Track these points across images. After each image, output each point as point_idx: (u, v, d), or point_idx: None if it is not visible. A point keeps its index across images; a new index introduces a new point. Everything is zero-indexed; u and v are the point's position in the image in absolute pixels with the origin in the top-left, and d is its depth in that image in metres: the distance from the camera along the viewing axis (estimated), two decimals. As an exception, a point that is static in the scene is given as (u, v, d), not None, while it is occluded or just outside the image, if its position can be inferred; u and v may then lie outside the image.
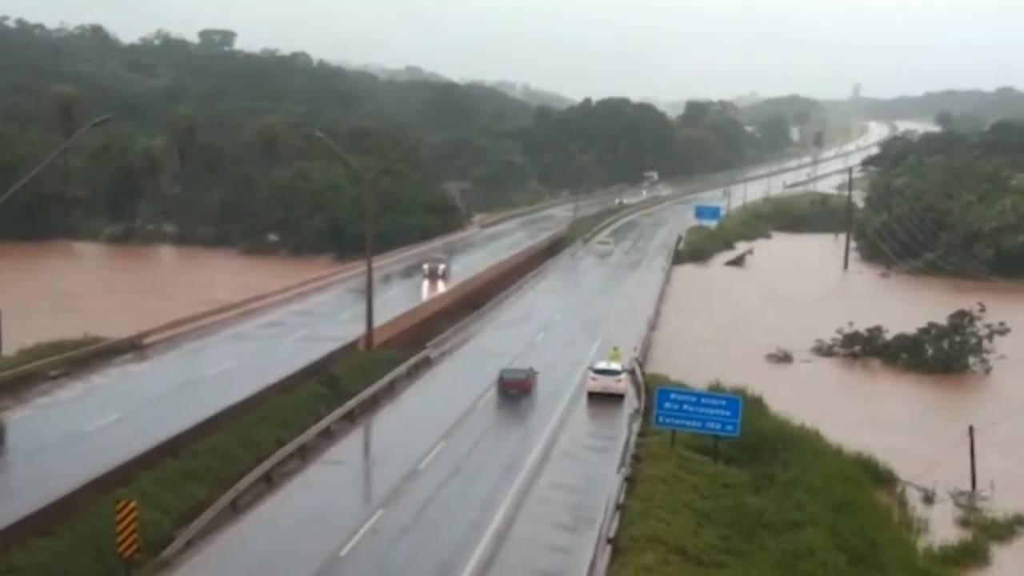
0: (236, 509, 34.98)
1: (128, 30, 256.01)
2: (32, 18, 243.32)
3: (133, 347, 57.35)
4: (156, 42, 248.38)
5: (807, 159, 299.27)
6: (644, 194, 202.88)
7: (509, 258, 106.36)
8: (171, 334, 61.11)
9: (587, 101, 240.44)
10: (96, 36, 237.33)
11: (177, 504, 34.58)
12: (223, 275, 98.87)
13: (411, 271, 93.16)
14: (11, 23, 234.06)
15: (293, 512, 35.52)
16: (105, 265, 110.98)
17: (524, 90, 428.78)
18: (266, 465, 38.03)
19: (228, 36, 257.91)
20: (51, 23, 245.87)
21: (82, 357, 53.33)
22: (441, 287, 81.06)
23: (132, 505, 30.30)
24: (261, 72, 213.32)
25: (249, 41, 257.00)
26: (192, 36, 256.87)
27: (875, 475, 46.10)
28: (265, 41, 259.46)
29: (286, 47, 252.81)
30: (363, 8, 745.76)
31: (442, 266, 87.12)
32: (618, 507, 35.19)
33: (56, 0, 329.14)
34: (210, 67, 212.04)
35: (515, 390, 52.74)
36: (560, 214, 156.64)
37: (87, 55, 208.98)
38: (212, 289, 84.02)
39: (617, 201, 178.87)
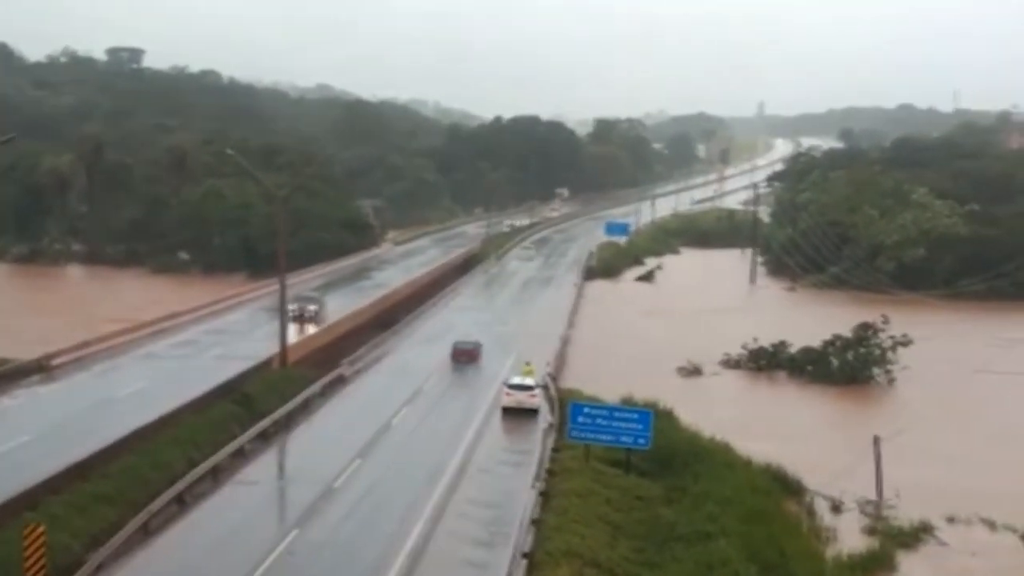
0: (148, 532, 34.62)
1: (34, 47, 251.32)
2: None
3: (41, 368, 56.40)
4: (63, 59, 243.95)
5: (714, 175, 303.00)
6: (553, 213, 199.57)
7: (423, 275, 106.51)
8: (80, 355, 60.26)
9: (498, 119, 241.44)
10: (1, 53, 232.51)
11: (87, 527, 34.13)
12: (133, 294, 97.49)
13: (326, 288, 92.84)
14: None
15: (206, 534, 35.25)
16: (10, 284, 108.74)
17: (436, 108, 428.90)
18: (178, 486, 37.68)
19: (136, 53, 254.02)
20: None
21: (-13, 379, 52.37)
22: (311, 330, 71.55)
23: (41, 529, 29.87)
24: (170, 89, 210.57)
25: (158, 58, 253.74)
26: (99, 53, 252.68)
27: (784, 485, 46.89)
28: (174, 58, 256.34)
29: (195, 64, 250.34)
30: (273, 26, 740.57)
31: (312, 307, 75.42)
32: (533, 521, 35.49)
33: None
34: (118, 84, 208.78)
35: (465, 358, 65.77)
36: (473, 231, 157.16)
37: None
38: (121, 309, 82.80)
39: (508, 223, 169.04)
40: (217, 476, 40.70)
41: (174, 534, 35.20)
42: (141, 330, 68.34)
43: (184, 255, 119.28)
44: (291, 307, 70.19)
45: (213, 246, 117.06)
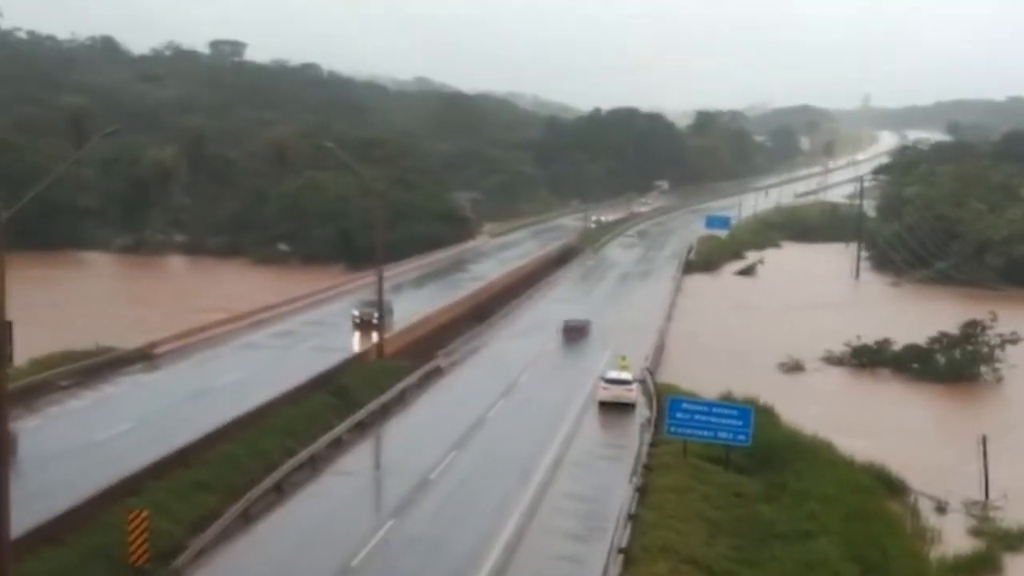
0: (247, 519, 34.94)
1: (139, 41, 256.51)
2: (43, 29, 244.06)
3: (144, 357, 57.46)
4: (167, 53, 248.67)
5: (817, 168, 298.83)
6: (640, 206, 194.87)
7: (519, 267, 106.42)
8: (182, 344, 61.26)
9: (597, 111, 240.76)
10: (107, 47, 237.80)
11: (188, 513, 34.52)
12: (233, 285, 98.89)
13: (423, 280, 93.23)
14: (22, 34, 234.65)
15: (304, 522, 35.45)
16: (116, 275, 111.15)
17: (534, 101, 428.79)
18: (277, 475, 37.98)
19: (238, 47, 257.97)
20: (62, 34, 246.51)
21: (93, 367, 53.47)
22: (376, 338, 63.42)
23: (144, 514, 30.35)
24: (271, 83, 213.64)
25: (259, 52, 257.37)
26: (203, 47, 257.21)
27: (887, 485, 45.90)
28: (275, 52, 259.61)
29: (296, 58, 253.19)
30: (373, 20, 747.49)
31: (376, 313, 66.20)
32: (630, 517, 35.09)
33: (67, 11, 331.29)
34: (220, 78, 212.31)
35: (576, 335, 71.27)
36: (570, 223, 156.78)
37: (98, 66, 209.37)
38: (221, 299, 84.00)
39: (593, 218, 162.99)
40: (315, 465, 40.95)
41: (272, 521, 35.50)
42: (241, 320, 69.25)
43: (283, 246, 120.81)
44: (354, 312, 69.14)
45: (312, 238, 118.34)
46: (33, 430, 43.11)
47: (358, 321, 68.69)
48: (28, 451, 39.89)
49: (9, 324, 34.04)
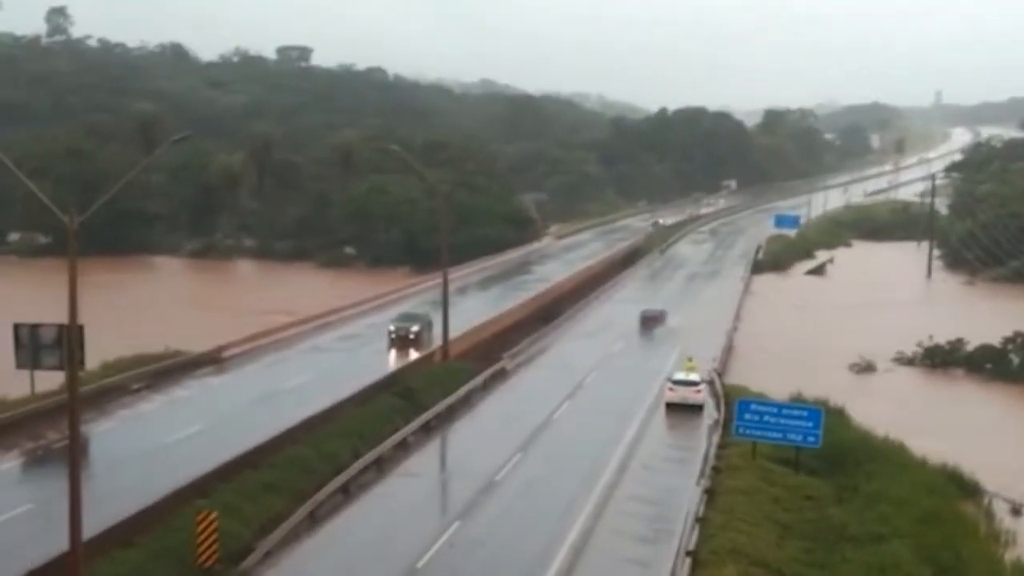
0: (314, 521, 35.08)
1: (207, 47, 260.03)
2: (113, 37, 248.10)
3: (213, 360, 58.06)
4: (234, 59, 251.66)
5: (888, 166, 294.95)
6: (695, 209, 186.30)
7: (585, 269, 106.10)
8: (250, 347, 61.82)
9: (663, 111, 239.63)
10: (175, 54, 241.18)
11: (256, 515, 34.68)
12: (300, 289, 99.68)
13: (488, 282, 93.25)
14: (93, 42, 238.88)
15: (370, 524, 35.53)
16: (185, 279, 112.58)
17: (599, 101, 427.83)
18: (343, 477, 38.11)
19: (305, 52, 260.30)
20: (132, 42, 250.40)
21: (163, 370, 54.14)
22: (414, 355, 61.60)
23: (213, 516, 30.56)
24: (337, 87, 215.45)
25: (325, 57, 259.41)
26: (270, 52, 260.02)
27: (961, 487, 44.98)
28: (341, 57, 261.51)
29: (362, 63, 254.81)
30: (438, 24, 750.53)
31: (414, 328, 64.29)
32: (698, 519, 34.71)
33: (136, 19, 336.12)
34: (287, 83, 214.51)
35: (652, 323, 76.90)
36: (636, 224, 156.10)
37: (167, 73, 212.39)
38: (288, 302, 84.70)
39: (652, 221, 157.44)
40: (381, 467, 41.04)
41: (339, 523, 35.62)
42: (307, 324, 69.71)
43: (349, 250, 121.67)
44: (390, 328, 64.52)
45: (377, 241, 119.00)
46: (104, 433, 43.76)
47: (394, 337, 63.99)
48: (99, 454, 40.51)
49: (81, 328, 34.56)
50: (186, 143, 78.83)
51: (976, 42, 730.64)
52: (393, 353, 62.43)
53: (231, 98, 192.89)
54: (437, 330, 62.65)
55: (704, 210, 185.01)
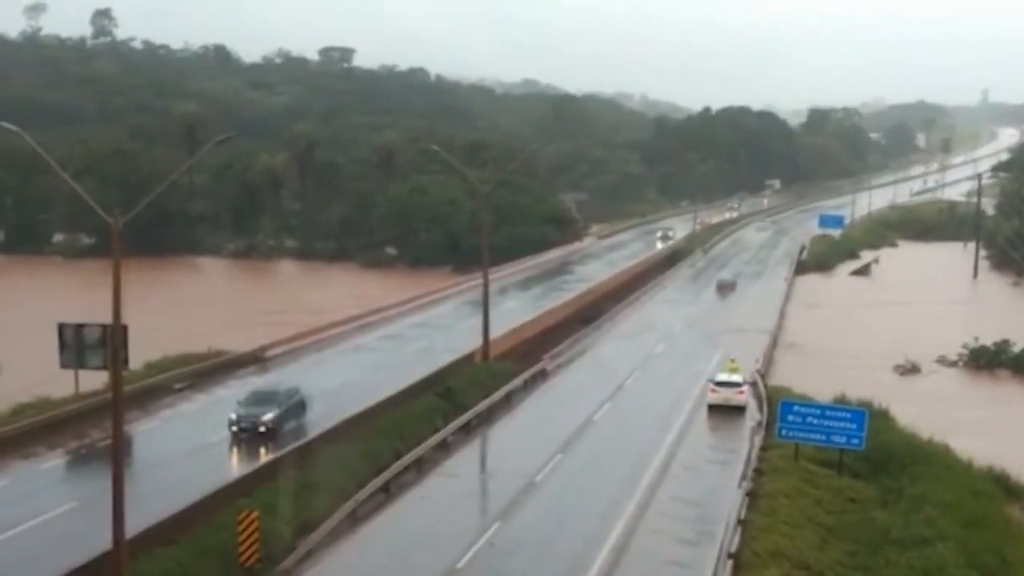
0: (355, 520, 35.15)
1: (250, 49, 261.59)
2: (157, 39, 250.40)
3: (255, 360, 58.35)
4: (277, 60, 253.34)
5: (934, 166, 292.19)
6: (729, 212, 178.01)
7: (626, 269, 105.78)
8: (292, 347, 62.07)
9: (706, 110, 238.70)
10: (219, 55, 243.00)
11: (298, 514, 34.76)
12: (342, 288, 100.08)
13: (529, 283, 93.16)
14: (137, 44, 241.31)
15: (410, 524, 35.57)
16: (228, 279, 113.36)
17: (642, 100, 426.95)
18: (384, 476, 38.16)
19: (347, 53, 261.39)
20: (176, 44, 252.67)
21: (206, 370, 54.47)
22: (265, 455, 41.12)
23: (254, 515, 30.67)
24: (379, 88, 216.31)
25: (368, 58, 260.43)
26: (312, 54, 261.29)
27: (1007, 489, 44.38)
28: (384, 57, 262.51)
29: (404, 63, 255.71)
30: (479, 24, 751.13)
31: (268, 416, 43.28)
32: (740, 521, 34.46)
33: (180, 21, 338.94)
34: (330, 84, 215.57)
35: (727, 290, 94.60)
36: (679, 224, 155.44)
37: (210, 74, 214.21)
38: (330, 302, 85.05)
39: (660, 233, 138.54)
40: (421, 467, 41.06)
41: (380, 522, 35.68)
42: (349, 323, 69.93)
43: (391, 250, 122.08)
44: (231, 416, 43.34)
45: (419, 241, 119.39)
46: (148, 432, 44.10)
47: (236, 429, 42.95)
48: (142, 453, 40.80)
49: (125, 328, 34.83)
50: (229, 144, 79.57)
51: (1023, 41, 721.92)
52: (235, 455, 42.03)
53: (274, 99, 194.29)
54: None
55: (728, 214, 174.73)
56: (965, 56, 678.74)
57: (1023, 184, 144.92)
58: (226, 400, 50.47)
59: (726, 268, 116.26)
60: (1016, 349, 71.41)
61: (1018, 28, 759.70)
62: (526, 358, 62.09)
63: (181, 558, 30.30)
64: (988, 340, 72.28)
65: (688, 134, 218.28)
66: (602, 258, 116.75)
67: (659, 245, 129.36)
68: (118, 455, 28.08)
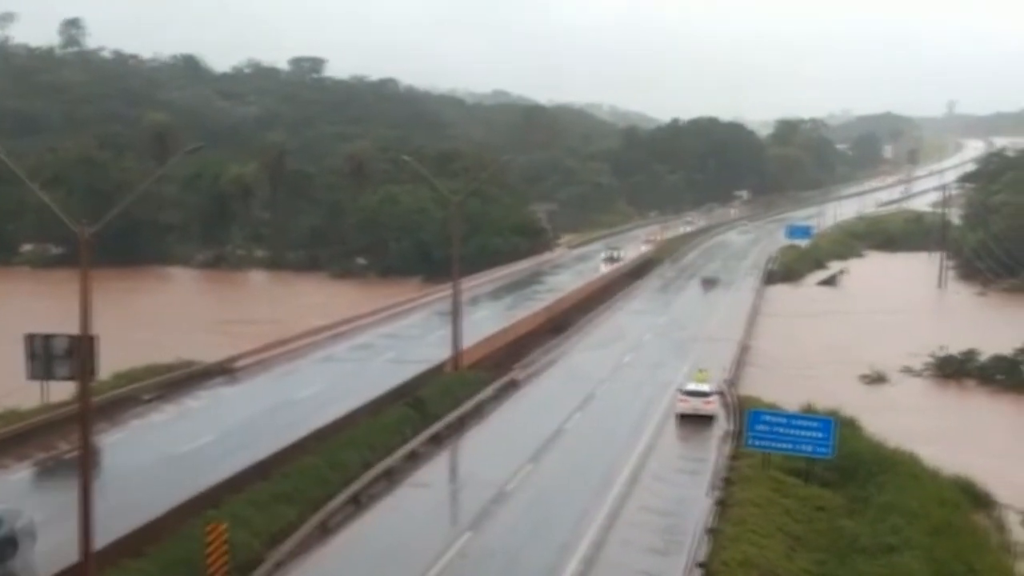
0: (325, 531, 35.06)
1: (220, 59, 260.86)
2: (127, 48, 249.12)
3: (224, 370, 58.08)
4: (247, 70, 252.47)
5: (901, 177, 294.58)
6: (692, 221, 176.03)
7: (596, 279, 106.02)
8: (262, 357, 61.84)
9: (675, 121, 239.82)
10: (189, 65, 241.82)
11: (267, 526, 34.64)
12: (312, 299, 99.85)
13: (499, 293, 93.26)
14: (107, 54, 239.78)
15: (381, 535, 35.50)
16: (197, 289, 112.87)
17: (611, 111, 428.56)
18: (354, 487, 38.08)
19: (318, 63, 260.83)
20: (145, 53, 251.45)
21: (175, 380, 54.19)
22: None
23: (223, 527, 30.52)
24: (350, 98, 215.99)
25: (338, 68, 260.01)
26: (283, 63, 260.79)
27: (973, 498, 44.78)
28: (354, 67, 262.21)
29: (374, 73, 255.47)
30: (450, 34, 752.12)
31: None
32: (709, 531, 34.63)
33: (150, 31, 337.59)
34: (300, 94, 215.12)
35: (710, 285, 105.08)
36: (655, 231, 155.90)
37: (180, 84, 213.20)
38: (300, 313, 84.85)
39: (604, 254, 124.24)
40: (391, 478, 40.99)
41: (350, 533, 35.56)
42: (319, 334, 69.75)
43: (361, 260, 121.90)
44: None
45: (389, 251, 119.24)
46: (116, 443, 43.80)
47: None
48: (110, 464, 40.52)
49: (93, 339, 34.65)
50: (199, 154, 79.61)
51: (989, 53, 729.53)
52: None
53: (244, 109, 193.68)
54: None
55: (685, 228, 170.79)
56: (932, 69, 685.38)
57: (988, 195, 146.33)
58: (196, 410, 50.43)
59: (695, 279, 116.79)
60: (982, 358, 72.07)
61: (984, 42, 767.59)
62: (497, 368, 62.14)
63: (149, 571, 30.12)
64: (954, 349, 72.96)
65: (657, 145, 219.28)
66: (572, 268, 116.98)
67: (603, 268, 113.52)
68: (86, 467, 27.95)
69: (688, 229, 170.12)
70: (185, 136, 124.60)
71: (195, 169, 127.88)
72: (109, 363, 52.09)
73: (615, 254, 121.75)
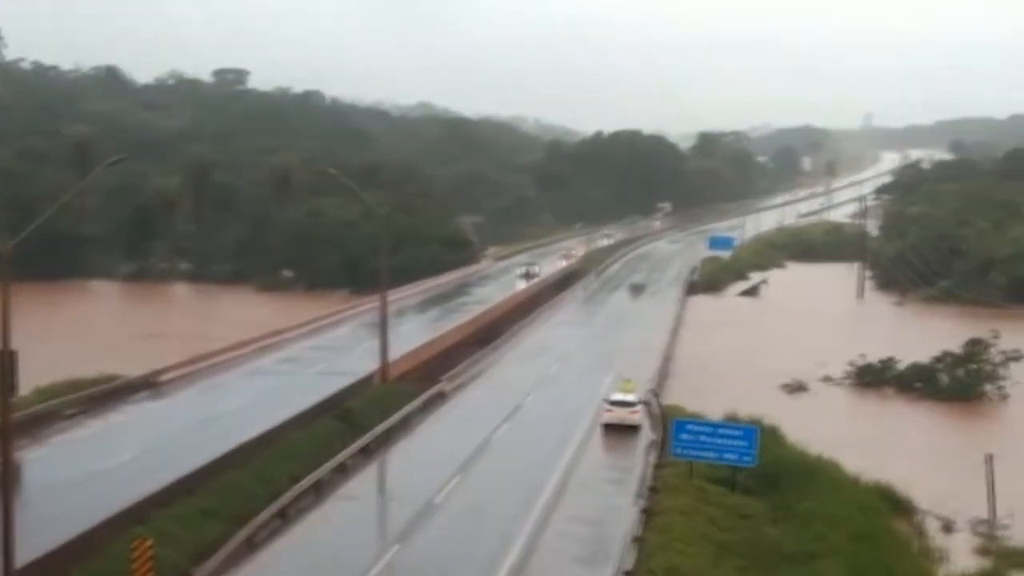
0: (252, 546, 34.87)
1: (142, 70, 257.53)
2: (47, 60, 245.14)
3: (149, 385, 57.48)
4: (170, 82, 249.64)
5: (820, 189, 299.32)
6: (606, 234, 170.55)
7: (522, 291, 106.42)
8: (187, 371, 61.28)
9: (598, 134, 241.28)
10: (110, 77, 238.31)
11: (193, 541, 34.43)
12: (237, 312, 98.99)
13: (426, 305, 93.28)
14: (26, 64, 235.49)
15: (308, 549, 35.40)
16: (120, 303, 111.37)
17: (536, 124, 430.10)
18: (282, 501, 37.91)
19: (241, 75, 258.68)
20: (65, 65, 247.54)
21: (98, 395, 53.48)
22: None
23: (148, 543, 30.26)
24: (274, 110, 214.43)
25: (262, 80, 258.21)
26: (206, 75, 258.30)
27: (893, 504, 45.72)
28: (278, 79, 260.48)
29: (299, 86, 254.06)
30: (375, 46, 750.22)
31: None
32: (635, 539, 35.01)
33: (71, 42, 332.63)
34: (224, 106, 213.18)
35: (638, 291, 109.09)
36: (572, 247, 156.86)
37: (102, 96, 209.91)
38: (226, 326, 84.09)
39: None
40: (320, 491, 40.88)
41: (277, 548, 35.39)
42: (246, 347, 69.26)
43: (288, 273, 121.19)
44: None
45: (316, 264, 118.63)
46: (38, 460, 43.12)
47: None
48: (33, 481, 39.94)
49: (13, 354, 34.17)
50: (122, 166, 78.19)
51: (903, 67, 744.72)
52: None
53: (167, 121, 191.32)
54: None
55: (603, 241, 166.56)
56: (848, 83, 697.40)
57: (905, 206, 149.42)
58: (120, 425, 49.87)
59: (619, 290, 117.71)
60: (901, 367, 73.53)
61: (900, 56, 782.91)
62: (425, 380, 62.19)
63: (73, 588, 29.85)
64: (873, 358, 74.33)
65: (581, 158, 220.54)
66: (499, 280, 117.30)
67: (520, 284, 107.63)
68: (6, 484, 27.62)
69: (606, 243, 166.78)
70: (107, 148, 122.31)
71: (117, 181, 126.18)
72: (30, 378, 51.31)
73: (532, 269, 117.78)
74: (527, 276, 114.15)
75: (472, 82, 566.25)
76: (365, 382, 59.31)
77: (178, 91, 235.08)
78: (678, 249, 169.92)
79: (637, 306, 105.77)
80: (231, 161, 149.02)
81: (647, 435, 51.20)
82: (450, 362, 68.74)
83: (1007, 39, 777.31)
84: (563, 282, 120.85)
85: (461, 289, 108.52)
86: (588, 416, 54.96)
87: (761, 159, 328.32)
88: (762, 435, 44.54)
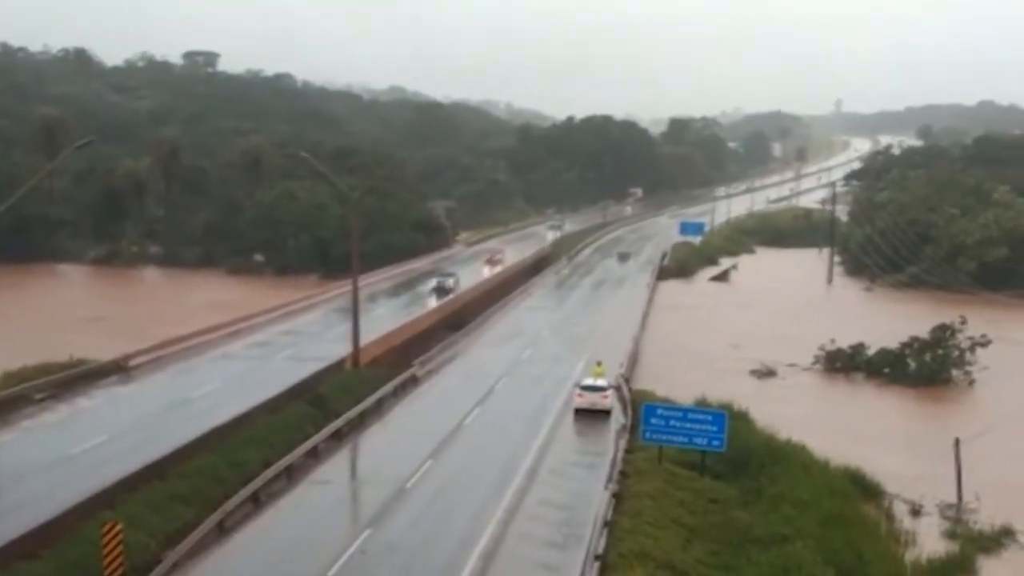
0: (223, 530, 34.85)
1: (112, 53, 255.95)
2: (15, 41, 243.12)
3: (119, 369, 57.19)
4: (140, 64, 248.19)
5: (790, 174, 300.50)
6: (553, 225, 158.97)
7: (494, 276, 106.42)
8: (157, 355, 61.00)
9: (570, 119, 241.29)
10: (80, 59, 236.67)
11: (164, 526, 34.38)
12: (207, 295, 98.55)
13: (398, 290, 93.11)
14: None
15: (280, 533, 35.39)
16: (89, 287, 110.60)
17: (507, 109, 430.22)
18: (253, 486, 37.86)
19: (212, 57, 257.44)
20: (34, 46, 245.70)
21: (68, 380, 53.17)
22: None
23: (118, 528, 30.19)
24: (245, 93, 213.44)
25: (233, 62, 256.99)
26: (176, 58, 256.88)
27: (862, 488, 46.16)
28: (249, 62, 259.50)
29: (270, 68, 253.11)
30: (347, 28, 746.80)
31: None
32: (606, 523, 35.19)
33: (39, 24, 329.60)
34: (194, 88, 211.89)
35: (625, 258, 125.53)
36: (544, 231, 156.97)
37: (71, 78, 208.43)
38: (196, 310, 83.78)
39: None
40: (291, 475, 40.87)
41: (249, 533, 35.39)
42: (216, 331, 68.98)
43: (258, 257, 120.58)
44: None
45: (287, 248, 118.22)
46: (7, 444, 42.96)
47: None
48: (2, 465, 39.73)
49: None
50: (91, 148, 77.92)
51: (873, 52, 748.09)
52: None
53: (137, 103, 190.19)
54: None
55: (549, 235, 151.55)
56: (819, 68, 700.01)
57: (874, 192, 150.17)
58: (90, 410, 49.63)
59: (591, 275, 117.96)
60: (869, 352, 74.05)
61: (868, 41, 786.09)
62: (396, 364, 62.16)
63: (43, 573, 29.77)
64: (843, 343, 74.82)
65: (553, 142, 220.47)
66: (470, 265, 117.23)
67: (433, 302, 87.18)
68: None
69: (553, 236, 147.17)
70: (76, 130, 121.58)
71: (87, 164, 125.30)
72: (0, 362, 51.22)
73: (446, 283, 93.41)
74: (442, 291, 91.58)
75: (443, 67, 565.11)
76: (337, 367, 59.24)
77: (148, 73, 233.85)
78: (647, 234, 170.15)
79: (608, 291, 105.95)
80: (201, 144, 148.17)
81: (618, 420, 51.41)
82: (423, 347, 68.73)
83: (976, 25, 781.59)
84: (535, 267, 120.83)
85: (433, 274, 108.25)
86: (560, 401, 55.12)
87: (732, 145, 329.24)
88: (732, 420, 44.81)
